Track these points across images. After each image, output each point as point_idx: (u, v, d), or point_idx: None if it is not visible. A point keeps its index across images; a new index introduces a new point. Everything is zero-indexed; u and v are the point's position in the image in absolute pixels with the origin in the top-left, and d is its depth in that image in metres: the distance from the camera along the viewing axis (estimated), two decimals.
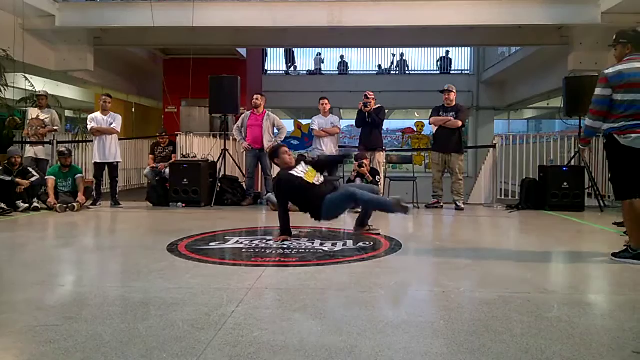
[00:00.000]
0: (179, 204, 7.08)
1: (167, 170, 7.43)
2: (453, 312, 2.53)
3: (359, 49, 18.50)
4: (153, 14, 8.65)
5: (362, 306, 2.65)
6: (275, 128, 7.47)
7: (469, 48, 17.84)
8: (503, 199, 7.64)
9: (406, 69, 19.07)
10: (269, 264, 3.60)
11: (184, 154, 7.83)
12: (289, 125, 14.92)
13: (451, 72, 18.59)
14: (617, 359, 2.01)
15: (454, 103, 7.04)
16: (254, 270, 3.38)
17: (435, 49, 18.25)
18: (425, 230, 5.86)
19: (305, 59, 19.50)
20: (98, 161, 7.20)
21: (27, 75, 9.10)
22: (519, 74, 14.97)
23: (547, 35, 9.75)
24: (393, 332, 2.25)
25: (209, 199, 7.22)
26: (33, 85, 9.29)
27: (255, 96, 7.51)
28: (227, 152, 7.68)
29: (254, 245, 4.25)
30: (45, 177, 6.81)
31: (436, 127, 7.21)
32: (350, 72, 19.07)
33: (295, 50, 18.59)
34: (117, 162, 7.38)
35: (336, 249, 4.08)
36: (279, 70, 19.07)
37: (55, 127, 7.88)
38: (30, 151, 7.67)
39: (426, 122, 16.50)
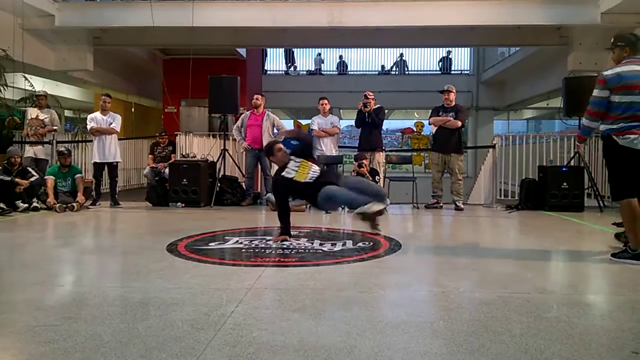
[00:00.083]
0: (179, 204, 7.08)
1: (167, 170, 7.43)
2: (452, 312, 2.53)
3: (358, 49, 18.50)
4: (153, 14, 8.65)
5: (362, 306, 2.65)
6: (274, 128, 7.46)
7: (469, 48, 17.84)
8: (502, 199, 7.64)
9: (406, 69, 19.07)
10: (269, 264, 3.60)
11: (184, 154, 7.82)
12: (288, 125, 14.94)
13: (451, 72, 18.60)
14: (616, 359, 2.01)
15: (453, 103, 7.04)
16: (254, 271, 3.38)
17: (434, 49, 18.26)
18: (424, 231, 5.86)
19: (305, 59, 19.52)
20: (97, 161, 7.20)
21: (26, 75, 9.10)
22: (518, 74, 14.98)
23: (547, 36, 9.75)
24: (392, 332, 2.25)
25: (208, 199, 7.22)
26: (32, 85, 9.29)
27: (255, 96, 7.51)
28: (226, 152, 7.68)
29: (253, 245, 4.25)
30: (45, 177, 6.80)
31: (436, 127, 7.21)
32: (349, 72, 19.08)
33: (295, 50, 18.59)
34: (117, 162, 7.37)
35: (336, 249, 4.08)
36: (279, 70, 19.08)
37: (54, 127, 7.88)
38: (29, 151, 7.67)
39: (426, 122, 16.55)
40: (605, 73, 3.70)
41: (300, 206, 6.33)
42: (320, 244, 4.26)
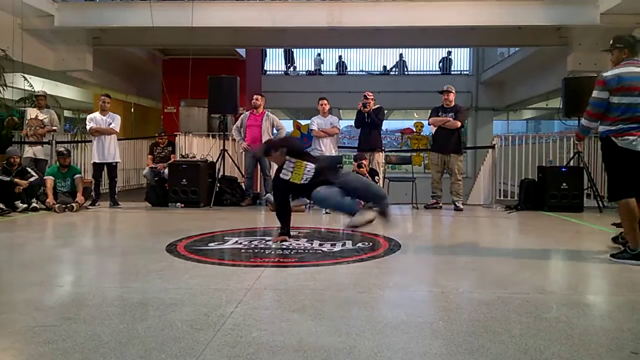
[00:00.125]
0: (178, 204, 7.08)
1: (166, 171, 7.43)
2: (452, 313, 2.53)
3: (358, 50, 18.50)
4: (152, 14, 8.65)
5: (361, 307, 2.65)
6: (274, 128, 7.47)
7: (468, 49, 17.85)
8: (502, 200, 7.64)
9: (405, 69, 19.08)
10: (268, 264, 3.60)
11: (183, 154, 7.82)
12: (288, 125, 14.93)
13: (451, 72, 18.60)
14: None
15: (453, 104, 7.04)
16: (253, 271, 3.38)
17: (434, 49, 18.26)
18: (424, 231, 5.86)
19: (304, 60, 19.51)
20: (97, 161, 7.19)
21: (25, 75, 9.09)
22: (518, 74, 14.99)
23: (546, 36, 9.76)
24: (392, 332, 2.25)
25: (208, 199, 7.22)
26: (32, 85, 9.28)
27: (255, 96, 7.51)
28: (226, 153, 7.68)
29: (253, 246, 4.25)
30: (44, 177, 6.80)
31: (435, 128, 7.21)
32: (349, 73, 19.08)
33: (294, 50, 18.59)
34: (116, 163, 7.37)
35: (335, 249, 4.08)
36: (278, 71, 19.07)
37: (54, 127, 7.88)
38: (29, 151, 7.67)
39: (425, 122, 16.53)
40: (605, 74, 3.72)
41: (299, 206, 6.33)
42: (320, 245, 4.26)
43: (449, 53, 18.49)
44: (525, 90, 15.11)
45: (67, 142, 8.53)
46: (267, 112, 7.45)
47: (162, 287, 2.98)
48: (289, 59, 18.80)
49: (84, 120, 8.02)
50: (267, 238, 4.59)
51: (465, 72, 18.72)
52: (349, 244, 4.32)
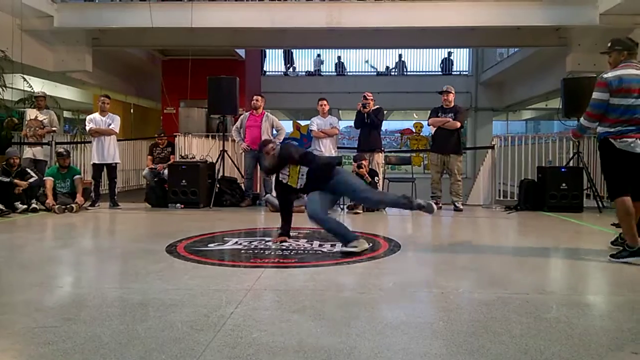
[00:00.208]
0: (178, 205, 7.07)
1: (166, 171, 7.43)
2: (452, 313, 2.53)
3: (357, 50, 18.50)
4: (151, 15, 8.64)
5: (361, 307, 2.65)
6: (274, 129, 7.47)
7: (468, 49, 17.85)
8: (502, 200, 7.65)
9: (404, 70, 19.08)
10: (268, 265, 3.60)
11: (183, 154, 7.82)
12: (287, 126, 14.94)
13: (452, 73, 18.62)
14: None
15: (452, 104, 7.05)
16: (253, 272, 3.38)
17: (434, 50, 18.26)
18: (424, 231, 5.86)
19: (304, 60, 19.51)
20: (96, 162, 7.19)
21: (25, 76, 9.09)
22: (517, 75, 14.99)
23: (546, 37, 9.76)
24: (392, 333, 2.25)
25: (207, 200, 7.22)
26: (31, 86, 9.28)
27: (255, 97, 7.51)
28: (225, 153, 7.68)
29: (252, 246, 4.25)
30: (44, 178, 6.80)
31: (435, 128, 7.21)
32: (348, 73, 19.08)
33: (294, 51, 18.59)
34: (116, 163, 7.37)
35: (335, 249, 4.07)
36: (278, 71, 19.07)
37: (53, 128, 7.88)
38: (28, 152, 7.67)
39: (425, 123, 16.53)
40: (606, 76, 3.75)
41: (299, 207, 6.32)
42: (320, 245, 4.26)
43: (450, 54, 18.49)
44: (525, 91, 15.12)
45: (66, 143, 8.53)
46: (266, 113, 7.46)
47: (162, 288, 2.98)
48: (289, 59, 18.80)
49: (84, 121, 8.02)
50: (267, 239, 4.59)
51: (464, 73, 18.72)
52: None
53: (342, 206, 6.85)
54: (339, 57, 19.02)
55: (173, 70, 11.72)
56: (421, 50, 18.35)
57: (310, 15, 9.09)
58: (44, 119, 7.77)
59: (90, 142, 7.65)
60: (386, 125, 17.72)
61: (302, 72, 19.23)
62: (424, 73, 18.80)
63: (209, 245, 4.33)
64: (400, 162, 9.03)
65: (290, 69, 18.97)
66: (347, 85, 17.07)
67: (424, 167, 15.50)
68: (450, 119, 6.91)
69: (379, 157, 7.32)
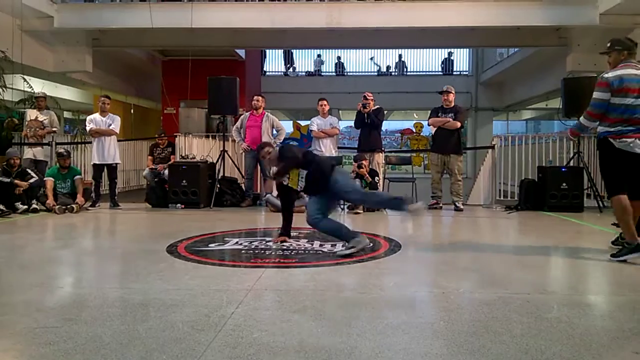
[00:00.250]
0: (178, 205, 7.08)
1: (166, 172, 7.43)
2: (453, 313, 2.53)
3: (357, 50, 18.50)
4: (151, 15, 8.65)
5: (362, 307, 2.65)
6: (274, 129, 7.47)
7: (468, 49, 17.85)
8: (502, 200, 7.64)
9: (404, 70, 19.08)
10: (269, 265, 3.60)
11: (183, 155, 7.82)
12: (288, 126, 14.93)
13: (452, 73, 18.62)
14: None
15: (452, 104, 7.05)
16: (254, 272, 3.38)
17: (434, 50, 18.27)
18: (424, 231, 5.86)
19: (304, 60, 19.51)
20: (97, 162, 7.19)
21: (25, 77, 9.09)
22: (517, 75, 15.00)
23: (545, 37, 9.77)
24: (393, 333, 2.25)
25: (208, 200, 7.22)
26: (32, 87, 9.29)
27: (255, 97, 7.50)
28: (226, 153, 7.68)
29: (253, 247, 4.25)
30: (44, 179, 6.80)
31: (435, 128, 7.21)
32: (348, 74, 19.08)
33: (294, 51, 18.59)
34: (116, 164, 7.37)
35: (335, 249, 4.07)
36: (278, 72, 19.07)
37: (54, 129, 7.88)
38: (29, 152, 7.67)
39: (425, 123, 16.53)
40: (607, 76, 3.77)
41: (300, 207, 6.32)
42: (320, 245, 4.26)
43: (450, 54, 18.49)
44: (525, 91, 15.12)
45: (67, 144, 8.53)
46: (266, 113, 7.46)
47: (163, 288, 2.98)
48: (289, 59, 18.81)
49: (84, 121, 8.03)
50: (268, 239, 4.59)
51: (464, 73, 18.72)
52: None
53: (342, 206, 6.85)
54: (338, 57, 19.02)
55: (173, 71, 11.72)
56: (421, 50, 18.36)
57: (310, 16, 9.09)
58: (44, 120, 7.77)
59: (90, 142, 7.65)
60: (386, 126, 17.73)
61: (302, 72, 19.24)
62: (424, 73, 18.80)
63: (209, 245, 4.33)
64: (400, 162, 9.04)
65: (290, 69, 18.98)
66: (347, 85, 17.07)
67: (424, 167, 15.51)
68: (451, 119, 6.91)
69: (380, 157, 7.32)
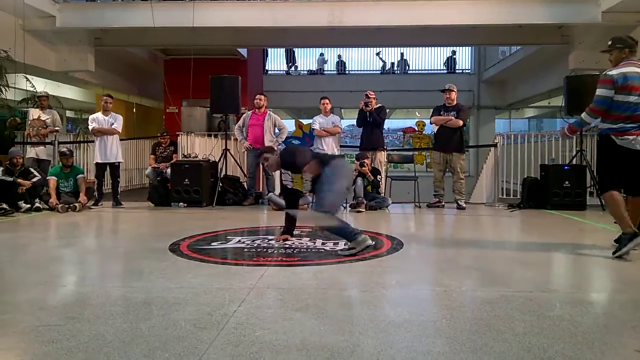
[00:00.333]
0: (181, 204, 7.09)
1: (169, 170, 7.43)
2: (455, 311, 2.53)
3: (358, 49, 18.47)
4: (153, 15, 8.65)
5: (364, 305, 2.65)
6: (276, 128, 7.47)
7: (470, 47, 17.82)
8: (504, 198, 7.64)
9: (407, 68, 19.05)
10: (271, 263, 3.60)
11: (185, 154, 7.83)
12: (290, 125, 14.92)
13: (455, 71, 18.59)
14: (620, 358, 2.01)
15: (454, 102, 7.04)
16: (256, 270, 3.38)
17: (436, 48, 18.24)
18: (426, 230, 5.86)
19: (306, 59, 19.51)
20: (99, 161, 7.21)
21: (28, 76, 9.10)
22: (519, 73, 14.96)
23: (548, 35, 9.74)
24: (395, 331, 2.25)
25: (210, 198, 7.23)
26: (34, 86, 9.29)
27: (258, 96, 7.49)
28: (228, 152, 7.68)
29: (255, 245, 4.26)
30: (47, 178, 6.82)
31: (437, 127, 7.20)
32: (350, 72, 19.06)
33: (295, 50, 18.58)
34: (119, 163, 7.38)
35: (338, 248, 4.07)
36: (280, 70, 19.07)
37: (56, 128, 7.89)
38: (31, 152, 7.68)
39: (427, 121, 16.49)
40: (610, 73, 3.80)
41: (302, 205, 6.32)
42: (323, 243, 4.26)
43: (454, 52, 18.45)
44: (527, 89, 15.08)
45: (69, 143, 8.55)
46: (269, 112, 7.46)
47: (166, 286, 2.99)
48: (290, 58, 18.80)
49: (86, 120, 8.05)
50: (270, 237, 4.59)
51: (467, 71, 18.69)
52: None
53: (345, 205, 6.85)
54: (339, 56, 19.00)
55: (175, 70, 11.73)
56: (423, 48, 18.33)
57: (312, 14, 9.08)
58: (47, 119, 7.79)
59: (93, 141, 7.66)
60: (388, 124, 17.75)
61: (304, 70, 19.23)
62: (426, 71, 18.76)
63: (212, 243, 4.34)
64: (402, 161, 9.03)
65: (292, 68, 18.97)
66: (349, 83, 17.05)
67: (427, 165, 15.49)
68: (453, 117, 6.90)
69: (382, 156, 7.32)
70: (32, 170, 6.83)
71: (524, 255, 3.97)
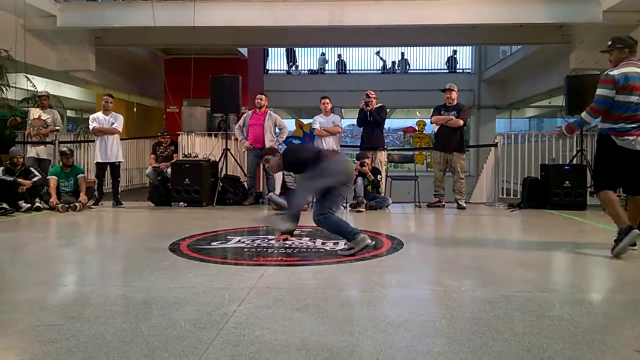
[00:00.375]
0: (181, 203, 7.09)
1: (169, 170, 7.44)
2: (455, 311, 2.53)
3: (359, 48, 18.46)
4: (154, 14, 8.66)
5: (364, 305, 2.65)
6: (276, 127, 7.47)
7: (471, 47, 17.80)
8: (505, 198, 7.64)
9: (407, 67, 19.04)
10: (271, 263, 3.60)
11: (186, 153, 7.83)
12: (290, 124, 14.91)
13: (456, 71, 18.57)
14: (619, 358, 2.01)
15: (455, 102, 7.04)
16: (256, 270, 3.38)
17: (437, 48, 18.22)
18: (426, 229, 5.86)
19: (306, 59, 19.50)
20: (100, 161, 7.21)
21: (28, 76, 9.10)
22: (520, 72, 14.95)
23: (548, 34, 9.74)
24: (395, 331, 2.25)
25: (210, 198, 7.23)
26: (35, 86, 9.29)
27: (259, 96, 7.48)
28: (228, 152, 7.68)
29: (255, 245, 4.26)
30: (47, 177, 6.82)
31: (437, 126, 7.20)
32: (351, 72, 19.05)
33: (296, 49, 18.58)
34: (119, 162, 7.38)
35: (338, 247, 4.07)
36: (280, 70, 19.06)
37: (57, 127, 7.89)
38: (32, 151, 7.69)
39: (428, 121, 16.49)
40: (612, 73, 3.81)
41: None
42: (323, 243, 4.27)
43: (455, 52, 18.44)
44: (528, 88, 15.07)
45: (70, 142, 8.55)
46: (269, 111, 7.46)
47: (166, 286, 2.99)
48: (291, 58, 18.79)
49: (87, 120, 8.05)
50: (270, 237, 4.58)
51: (467, 71, 18.67)
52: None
53: (344, 204, 6.85)
54: (339, 55, 18.99)
55: (176, 69, 11.74)
56: (424, 48, 18.32)
57: (313, 14, 9.08)
58: (48, 118, 7.79)
59: (93, 141, 7.66)
60: (389, 123, 17.73)
61: (304, 70, 19.23)
62: (426, 71, 18.74)
63: (212, 243, 4.34)
64: (403, 160, 9.03)
65: (293, 68, 18.97)
66: (350, 83, 17.04)
67: (427, 165, 15.49)
68: (453, 117, 6.90)
69: (382, 155, 7.32)
70: (32, 169, 6.83)
71: (524, 255, 3.97)
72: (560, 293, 2.94)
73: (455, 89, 7.11)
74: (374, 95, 7.20)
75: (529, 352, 2.01)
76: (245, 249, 4.11)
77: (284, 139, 7.72)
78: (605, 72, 3.89)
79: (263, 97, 7.50)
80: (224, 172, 7.63)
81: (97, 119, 7.24)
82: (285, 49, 18.11)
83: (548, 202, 6.72)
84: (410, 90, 17.30)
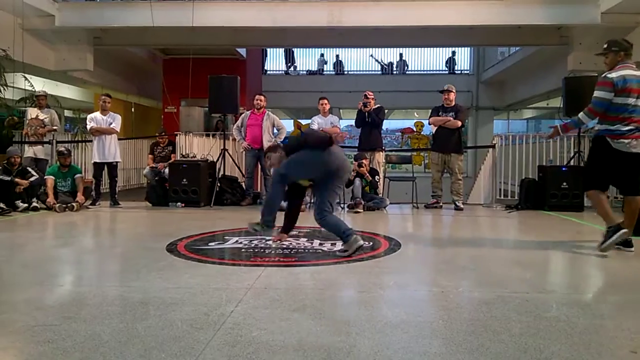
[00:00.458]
0: (178, 203, 7.08)
1: (167, 170, 7.43)
2: (452, 312, 2.53)
3: (357, 49, 18.48)
4: (152, 14, 8.65)
5: (361, 306, 2.65)
6: (274, 128, 7.46)
7: (469, 48, 17.84)
8: (502, 199, 7.64)
9: (406, 68, 19.06)
10: (268, 263, 3.60)
11: (184, 153, 7.82)
12: (288, 125, 14.94)
13: (454, 72, 18.61)
14: (615, 359, 2.01)
15: (453, 103, 7.04)
16: (253, 270, 3.38)
17: (435, 49, 18.25)
18: (424, 230, 5.86)
19: (305, 59, 19.51)
20: (97, 161, 7.20)
21: (26, 75, 9.10)
22: (518, 74, 14.99)
23: (547, 36, 9.75)
24: (392, 331, 2.25)
25: (208, 198, 7.22)
26: (32, 85, 9.29)
27: (257, 97, 7.46)
28: (226, 152, 7.68)
29: (253, 245, 4.25)
30: (45, 177, 6.81)
31: (435, 127, 7.21)
32: (349, 72, 19.07)
33: (294, 50, 18.59)
34: (117, 162, 7.37)
35: (335, 248, 4.07)
36: (279, 70, 19.07)
37: (54, 127, 7.88)
38: (29, 151, 7.67)
39: (426, 122, 16.53)
40: (610, 75, 3.84)
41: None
42: (320, 244, 4.27)
43: (454, 53, 18.46)
44: (526, 90, 15.11)
45: (67, 142, 8.54)
46: (267, 112, 7.45)
47: (163, 286, 2.98)
48: (289, 58, 18.80)
49: (85, 120, 8.03)
50: (267, 238, 4.58)
51: (465, 72, 18.71)
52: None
53: (342, 205, 6.86)
54: (337, 56, 19.00)
55: (174, 69, 11.72)
56: (422, 49, 18.34)
57: (311, 14, 9.09)
58: (45, 118, 7.77)
59: (91, 141, 7.65)
60: (387, 124, 17.75)
61: (303, 71, 19.23)
62: (425, 72, 18.78)
63: (209, 244, 4.34)
64: (401, 161, 9.04)
65: (291, 68, 18.97)
66: (348, 84, 17.06)
67: (425, 166, 15.49)
68: (451, 118, 6.91)
69: (380, 156, 7.32)
70: (29, 169, 6.81)
71: (521, 256, 3.97)
72: (557, 294, 2.94)
73: (454, 90, 7.12)
74: (372, 96, 7.20)
75: (525, 353, 2.02)
76: (243, 250, 4.11)
77: (282, 139, 7.71)
78: (604, 75, 3.92)
79: (262, 97, 7.50)
80: (221, 173, 7.62)
81: (94, 118, 7.23)
82: (283, 49, 18.12)
83: (545, 203, 6.73)
84: (408, 91, 17.34)
